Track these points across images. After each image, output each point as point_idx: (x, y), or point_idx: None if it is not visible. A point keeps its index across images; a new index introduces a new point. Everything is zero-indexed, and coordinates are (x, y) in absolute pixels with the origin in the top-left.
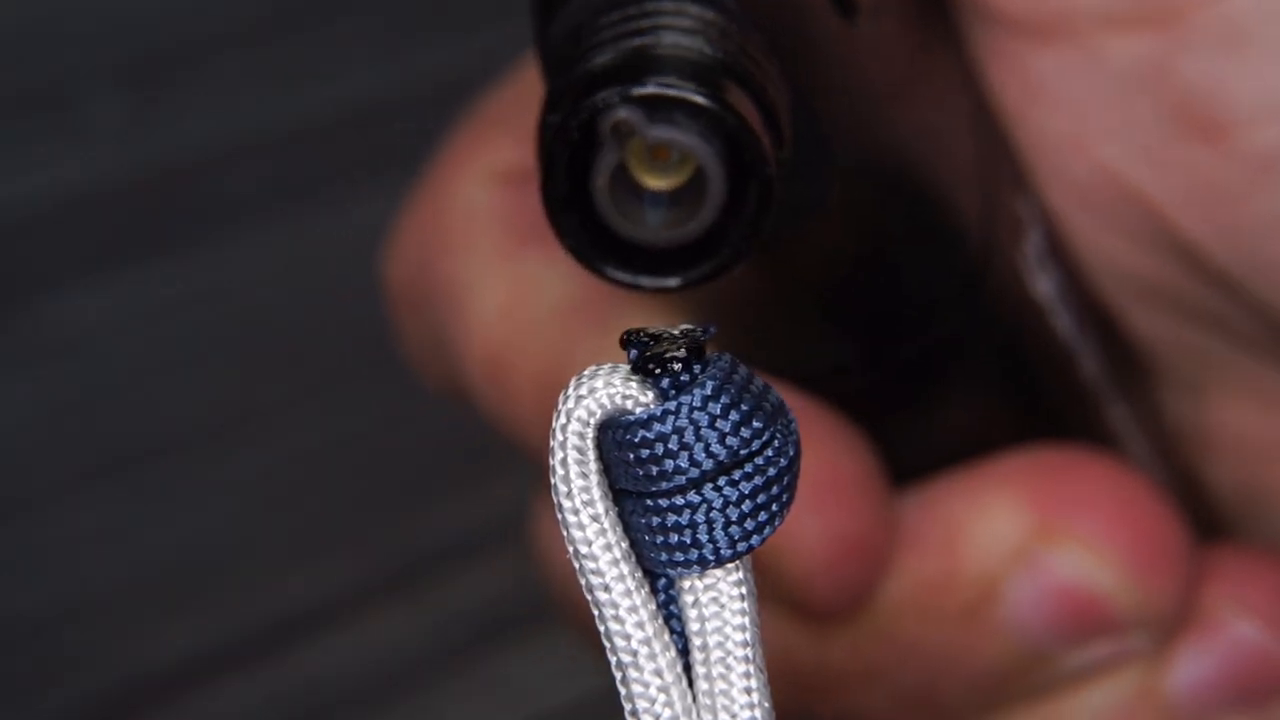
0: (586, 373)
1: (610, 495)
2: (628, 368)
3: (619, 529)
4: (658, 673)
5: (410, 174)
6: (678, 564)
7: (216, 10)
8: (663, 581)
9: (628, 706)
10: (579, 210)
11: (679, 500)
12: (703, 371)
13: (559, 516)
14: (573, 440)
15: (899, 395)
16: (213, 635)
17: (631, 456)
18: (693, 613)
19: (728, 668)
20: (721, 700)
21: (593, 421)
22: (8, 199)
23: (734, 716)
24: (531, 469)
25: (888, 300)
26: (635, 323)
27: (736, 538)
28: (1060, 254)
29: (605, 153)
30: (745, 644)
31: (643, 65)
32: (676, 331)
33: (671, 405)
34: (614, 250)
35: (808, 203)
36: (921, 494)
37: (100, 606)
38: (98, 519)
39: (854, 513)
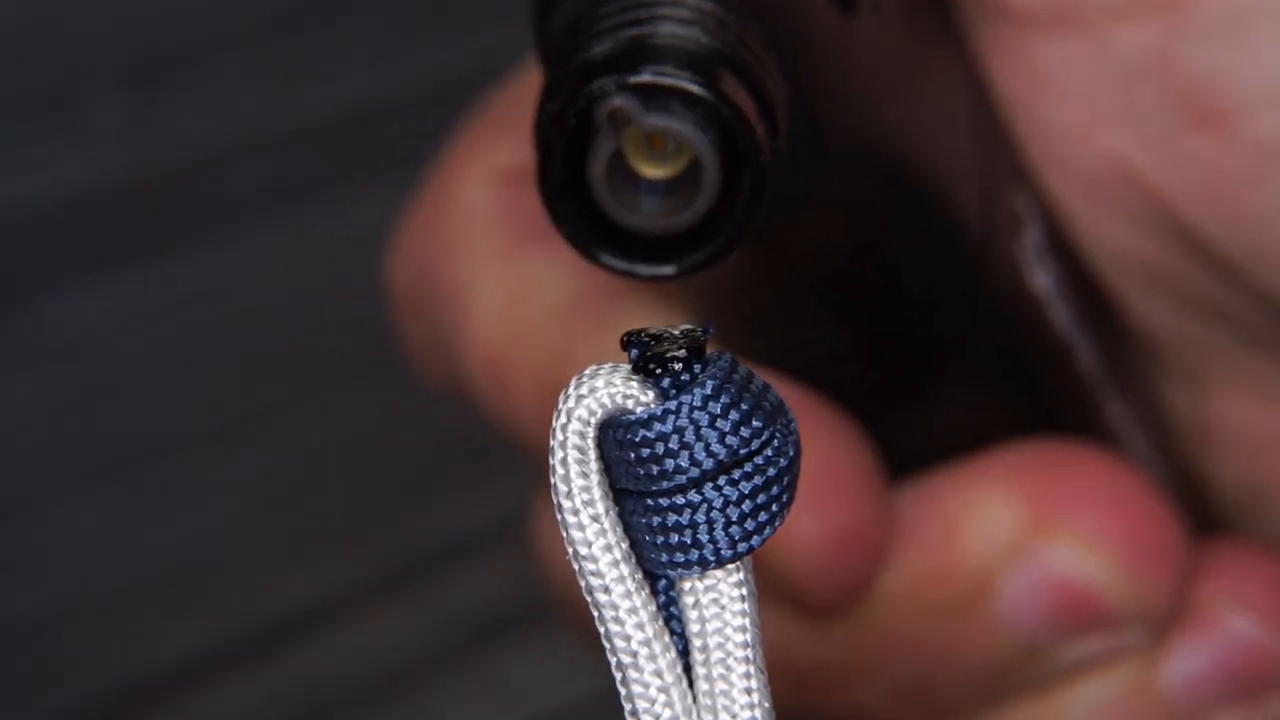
0: (587, 372)
1: (610, 495)
2: (628, 367)
3: (619, 529)
4: (658, 673)
5: (410, 174)
6: (678, 564)
7: (216, 10)
8: (663, 582)
9: (628, 707)
10: (575, 198)
11: (679, 500)
12: (703, 371)
13: (559, 516)
14: (573, 440)
15: (896, 388)
16: (213, 635)
17: (632, 456)
18: (693, 613)
19: (728, 668)
20: (722, 701)
21: (593, 421)
22: (8, 199)
23: (734, 717)
24: (531, 469)
25: (884, 291)
26: (634, 320)
27: (737, 538)
28: (1062, 246)
29: (602, 141)
30: (745, 644)
31: (639, 54)
32: (677, 331)
33: (672, 405)
34: (610, 238)
35: (804, 193)
36: (918, 488)
37: (100, 606)
38: (98, 519)
39: (850, 507)
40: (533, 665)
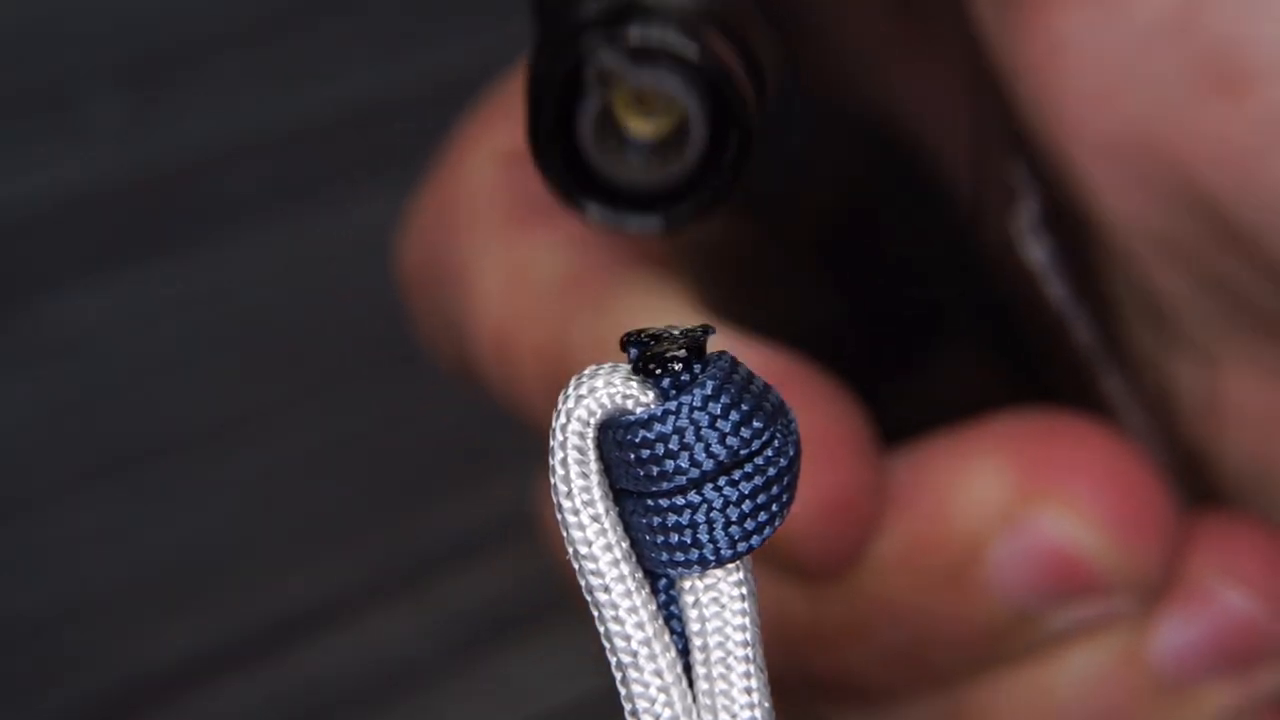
0: (586, 373)
1: (610, 495)
2: (628, 367)
3: (619, 529)
4: (658, 673)
5: (410, 174)
6: (678, 564)
7: (216, 10)
8: (663, 582)
9: (628, 707)
10: (564, 152)
11: (679, 500)
12: (703, 371)
13: (559, 516)
14: (573, 440)
15: (890, 357)
16: (213, 635)
17: (632, 456)
18: (693, 613)
19: (728, 668)
20: (722, 700)
21: (593, 421)
22: (8, 199)
23: (734, 717)
24: (536, 450)
25: (876, 259)
26: (629, 299)
27: (737, 538)
28: (1063, 220)
29: (590, 98)
30: (745, 644)
31: (629, 13)
32: (676, 332)
33: (672, 405)
34: (598, 192)
35: (793, 157)
36: (910, 456)
37: (100, 606)
38: (98, 519)
39: (844, 473)
40: (533, 665)
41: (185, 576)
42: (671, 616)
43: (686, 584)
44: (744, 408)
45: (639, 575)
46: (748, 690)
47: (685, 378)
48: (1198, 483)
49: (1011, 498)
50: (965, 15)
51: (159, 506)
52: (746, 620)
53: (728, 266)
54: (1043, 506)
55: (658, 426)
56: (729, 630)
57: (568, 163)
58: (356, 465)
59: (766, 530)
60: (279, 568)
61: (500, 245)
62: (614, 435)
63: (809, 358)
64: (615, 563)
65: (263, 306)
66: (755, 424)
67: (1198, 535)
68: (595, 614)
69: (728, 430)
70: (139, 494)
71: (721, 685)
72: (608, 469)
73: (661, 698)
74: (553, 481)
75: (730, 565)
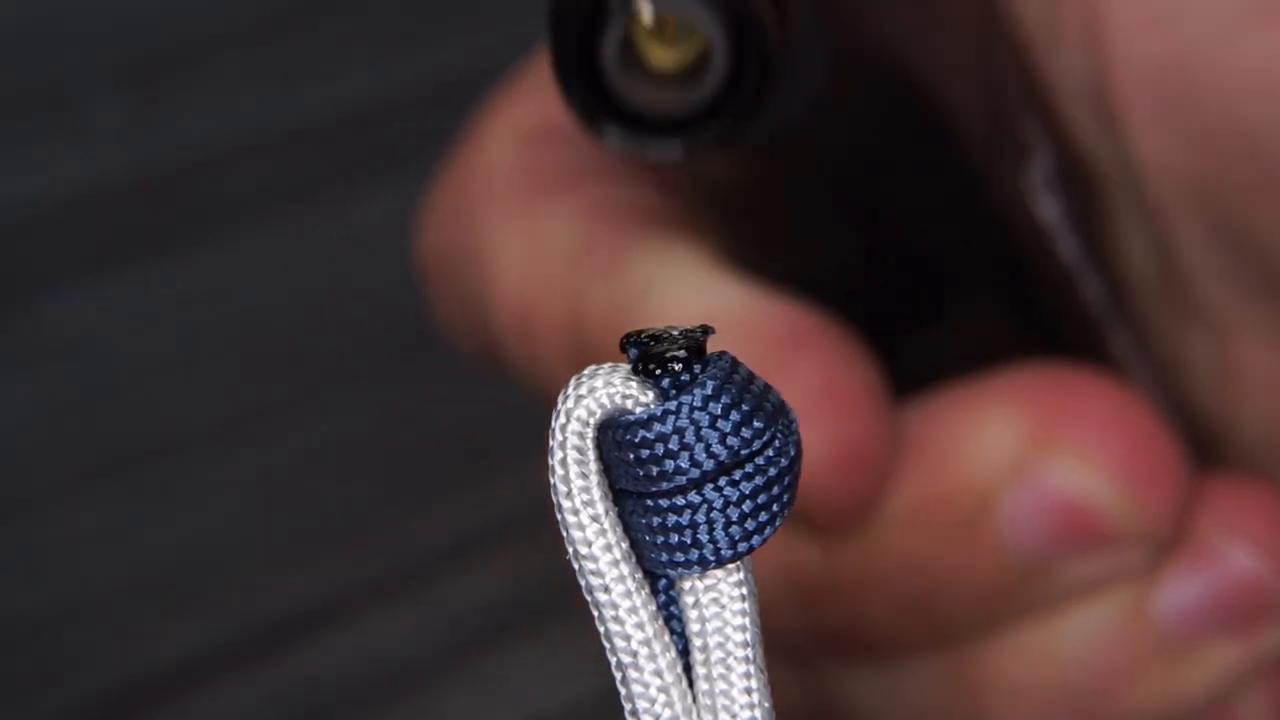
0: (586, 373)
1: (610, 496)
2: (628, 367)
3: (619, 529)
4: (658, 673)
5: (410, 174)
6: (678, 564)
7: (216, 10)
8: (663, 582)
9: (628, 707)
10: (587, 78)
11: (679, 500)
12: (703, 371)
13: (559, 516)
14: (572, 440)
15: (903, 310)
16: (213, 635)
17: (631, 457)
18: (693, 613)
19: (728, 668)
20: (722, 701)
21: (592, 421)
22: (8, 199)
23: (734, 717)
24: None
25: (889, 207)
26: (642, 263)
27: (737, 538)
28: (1082, 177)
29: (613, 24)
30: (746, 644)
31: None
32: (676, 332)
33: (672, 405)
34: (620, 118)
35: (810, 95)
36: (922, 408)
37: (100, 606)
38: (98, 519)
39: (856, 423)
40: (533, 665)
41: (185, 576)
42: (671, 617)
43: (686, 584)
44: (744, 408)
45: (639, 575)
46: (748, 690)
47: (685, 378)
48: (1211, 453)
49: (1023, 448)
50: None
51: (159, 506)
52: (746, 621)
53: (743, 218)
54: (1054, 457)
55: (657, 426)
56: (729, 631)
57: (590, 87)
58: (356, 465)
59: (767, 530)
60: (279, 568)
61: (518, 219)
62: (614, 435)
63: (824, 310)
64: (615, 563)
65: (263, 306)
66: (756, 424)
67: (1204, 494)
68: (595, 614)
69: (728, 430)
70: (139, 494)
71: (721, 685)
72: (607, 469)
73: (661, 698)
74: (552, 481)
75: (730, 565)
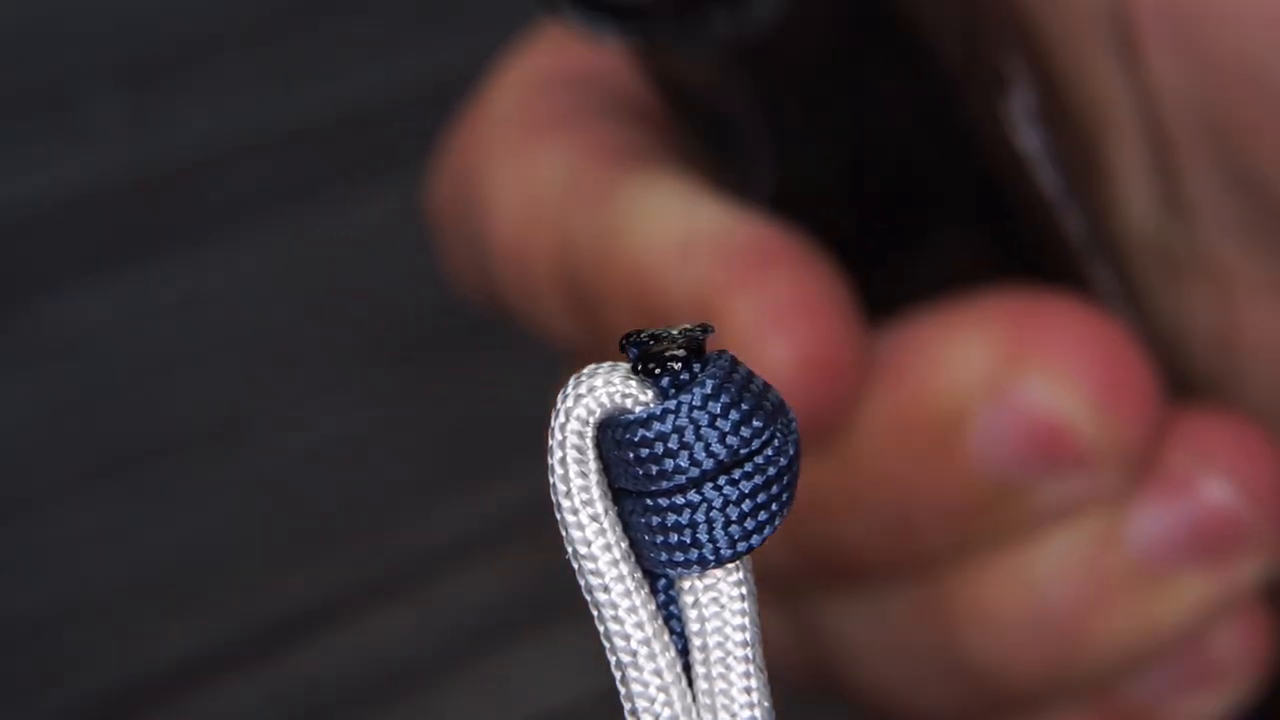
0: (585, 372)
1: (609, 495)
2: (627, 366)
3: (618, 529)
4: (657, 673)
5: (410, 174)
6: (677, 564)
7: (216, 10)
8: (662, 581)
9: (627, 706)
10: None
11: (679, 500)
12: (702, 370)
13: (558, 516)
14: (572, 439)
15: (880, 234)
16: (213, 635)
17: (631, 456)
18: (692, 613)
19: (727, 667)
20: (721, 700)
21: (592, 420)
22: (8, 199)
23: (734, 716)
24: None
25: (862, 126)
26: (626, 194)
27: (736, 537)
28: (1063, 114)
29: None
30: (745, 644)
31: None
32: (675, 331)
33: (671, 404)
34: (581, 4)
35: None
36: (898, 330)
37: (100, 606)
38: (98, 519)
39: (823, 333)
40: (533, 665)
41: (185, 576)
42: (671, 616)
43: (686, 584)
44: (744, 407)
45: (638, 575)
46: (747, 690)
47: (685, 377)
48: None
49: (997, 366)
50: None
51: (159, 506)
52: (746, 620)
53: (722, 140)
54: (1028, 375)
55: (657, 425)
56: (728, 630)
57: None
58: (356, 465)
59: (766, 530)
60: (279, 568)
61: (513, 158)
62: (613, 434)
63: (801, 233)
64: (614, 562)
65: (263, 306)
66: (755, 423)
67: (1180, 426)
68: (595, 613)
69: (727, 429)
70: (139, 494)
71: (721, 685)
72: (607, 468)
73: (661, 697)
74: (552, 481)
75: (730, 565)
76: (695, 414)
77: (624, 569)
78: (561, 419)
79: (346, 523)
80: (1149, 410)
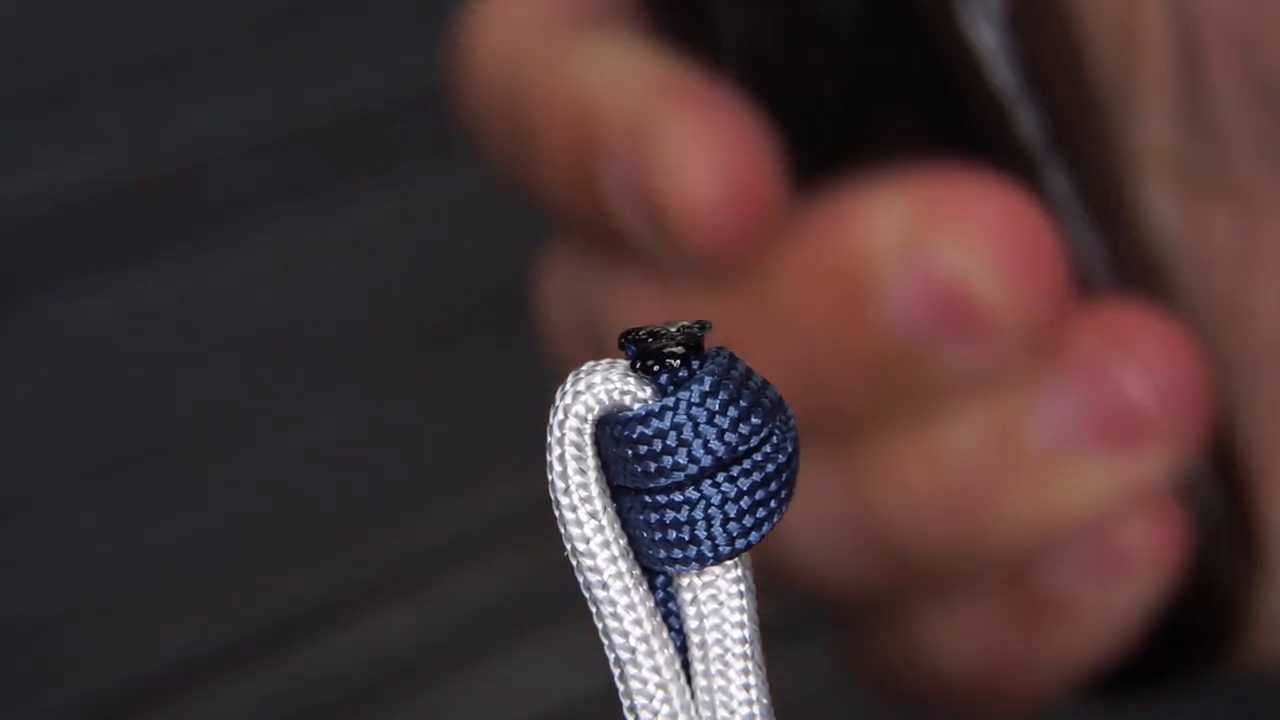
0: (584, 369)
1: (608, 492)
2: (626, 364)
3: (617, 526)
4: (656, 670)
5: (410, 174)
6: (676, 561)
7: (216, 10)
8: (661, 579)
9: (626, 703)
10: None
11: (677, 497)
12: (700, 367)
13: (557, 513)
14: (570, 436)
15: (823, 112)
16: (213, 635)
17: (629, 453)
18: (691, 610)
19: (726, 664)
20: (720, 697)
21: (590, 418)
22: (8, 199)
23: (732, 713)
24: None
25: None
26: (582, 41)
27: (735, 534)
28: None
29: None
30: (744, 641)
31: None
32: (674, 329)
33: (669, 401)
34: None
35: None
36: (826, 196)
37: (100, 606)
38: (98, 519)
39: (746, 162)
40: (533, 665)
41: (185, 576)
42: (670, 613)
43: (684, 581)
44: (742, 404)
45: (637, 572)
46: (746, 687)
47: (683, 374)
48: (1230, 338)
49: (912, 231)
50: None
51: (159, 506)
52: (745, 617)
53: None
54: (939, 241)
55: (655, 423)
56: (727, 627)
57: None
58: (356, 465)
59: (765, 527)
60: (279, 568)
61: (499, 9)
62: (612, 431)
63: (745, 96)
64: (613, 560)
65: (263, 306)
66: (753, 420)
67: (1095, 315)
68: (593, 611)
69: (726, 426)
70: (139, 494)
71: (720, 682)
72: (605, 466)
73: (660, 694)
74: (550, 478)
75: (728, 562)
76: (694, 411)
77: (622, 566)
78: (560, 416)
79: (346, 523)
80: (1055, 288)
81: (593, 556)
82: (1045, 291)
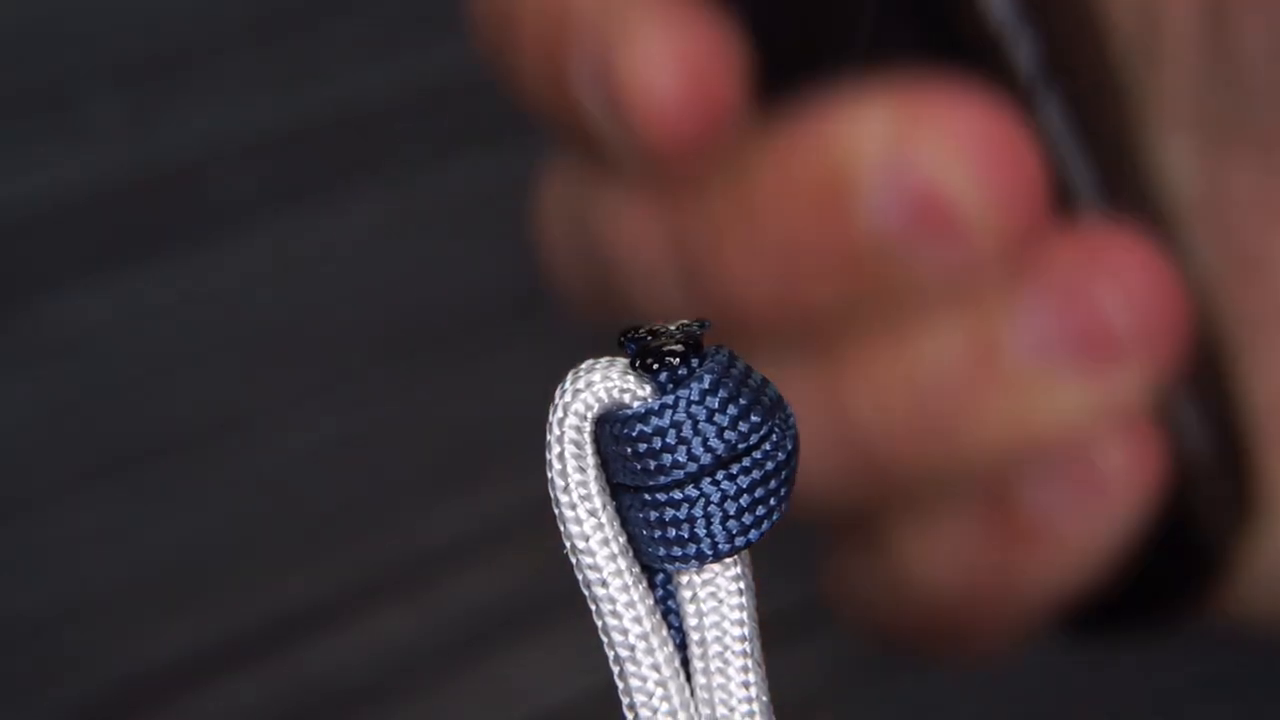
0: (584, 367)
1: (608, 490)
2: (625, 361)
3: (616, 524)
4: (655, 667)
5: (410, 174)
6: (675, 559)
7: (216, 10)
8: (660, 576)
9: (625, 701)
10: None
11: (677, 495)
12: (700, 365)
13: (556, 511)
14: (570, 434)
15: (814, 32)
16: (213, 635)
17: (629, 451)
18: (690, 608)
19: (725, 662)
20: (719, 694)
21: (590, 415)
22: (8, 199)
23: (732, 711)
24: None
25: None
26: None
27: (734, 532)
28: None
29: None
30: (743, 638)
31: None
32: (673, 327)
33: (669, 399)
34: None
35: None
36: (806, 101)
37: (100, 606)
38: (98, 519)
39: (707, 58)
40: (533, 665)
41: (185, 576)
42: (669, 611)
43: (684, 578)
44: (741, 401)
45: (636, 570)
46: (745, 685)
47: (682, 372)
48: (1244, 291)
49: (893, 135)
50: None
51: (159, 506)
52: (744, 615)
53: None
54: (920, 146)
55: (655, 420)
56: (726, 625)
57: None
58: (356, 465)
59: (765, 524)
60: (279, 568)
61: None
62: (611, 429)
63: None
64: (613, 557)
65: (263, 306)
66: (753, 418)
67: (1074, 233)
68: (593, 608)
69: (725, 424)
70: (139, 494)
71: (719, 680)
72: (605, 463)
73: (659, 692)
74: (550, 476)
75: (728, 560)
76: (693, 409)
77: (622, 564)
78: (559, 414)
79: (346, 523)
80: (1034, 202)
81: (592, 554)
82: (1023, 203)
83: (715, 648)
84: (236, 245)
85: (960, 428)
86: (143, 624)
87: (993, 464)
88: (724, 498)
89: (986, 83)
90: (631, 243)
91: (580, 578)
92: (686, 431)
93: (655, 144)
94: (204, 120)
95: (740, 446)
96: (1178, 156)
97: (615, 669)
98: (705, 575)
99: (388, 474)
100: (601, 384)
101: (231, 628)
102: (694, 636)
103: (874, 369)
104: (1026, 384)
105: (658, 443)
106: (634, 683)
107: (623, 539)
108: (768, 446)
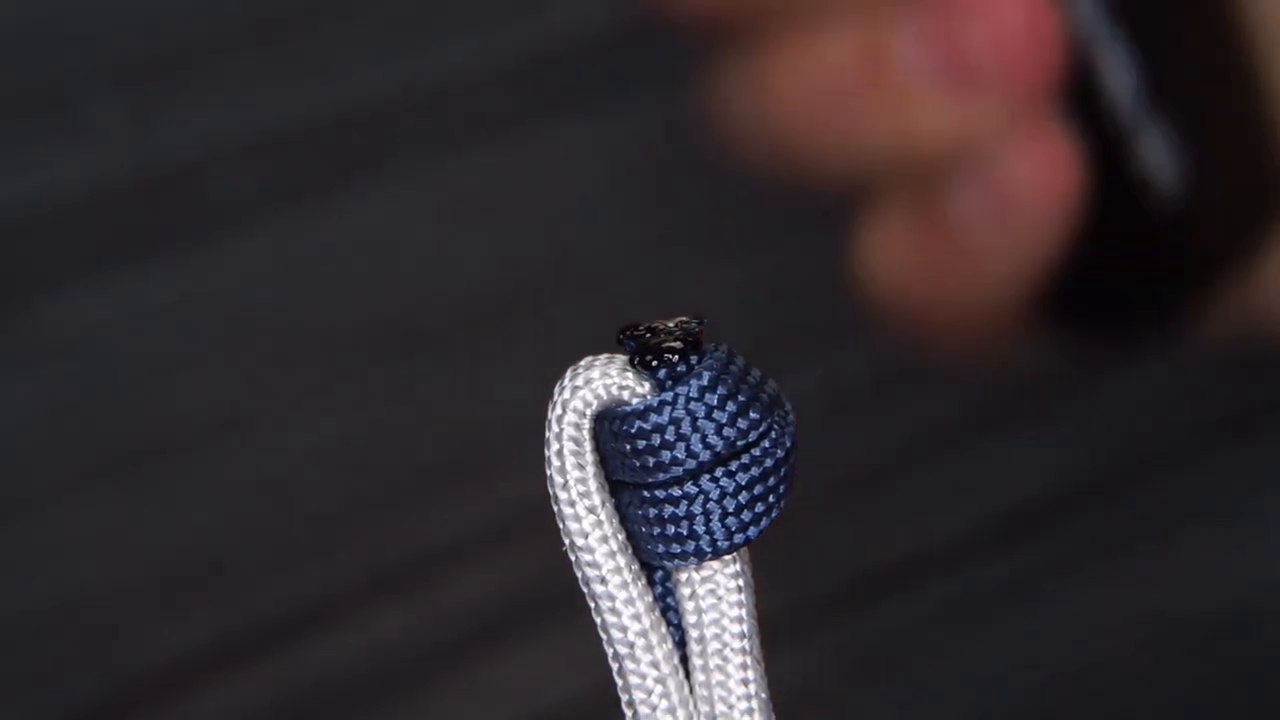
0: (583, 364)
1: (607, 487)
2: (624, 358)
3: (615, 521)
4: (654, 664)
5: (410, 174)
6: (675, 556)
7: (216, 10)
8: (660, 573)
9: (625, 698)
10: None
11: (676, 491)
12: (699, 362)
13: (555, 508)
14: (569, 431)
15: None
16: (212, 635)
17: (628, 447)
18: (690, 605)
19: (724, 659)
20: (719, 692)
21: (589, 412)
22: (8, 199)
23: (731, 708)
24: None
25: None
26: None
27: (734, 529)
28: None
29: None
30: (742, 635)
31: None
32: (672, 324)
33: (668, 396)
34: None
35: None
36: None
37: (100, 606)
38: (98, 519)
39: None
40: (532, 665)
41: (184, 576)
42: (668, 608)
43: (683, 575)
44: (740, 399)
45: (635, 567)
46: (745, 682)
47: (681, 369)
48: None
49: None
50: None
51: (159, 506)
52: (743, 612)
53: None
54: None
55: (654, 417)
56: (725, 622)
57: None
58: (356, 465)
59: (764, 522)
60: (278, 568)
61: None
62: (610, 426)
63: None
64: (612, 554)
65: (263, 306)
66: (752, 415)
67: None
68: (592, 605)
69: (724, 421)
70: (139, 494)
71: (718, 677)
72: (604, 460)
73: (659, 689)
74: (549, 473)
75: (727, 557)
76: (692, 406)
77: (621, 561)
78: (558, 411)
79: (346, 523)
80: None
81: (591, 551)
82: None
83: (714, 645)
84: (236, 245)
85: (854, 129)
86: (142, 624)
87: (883, 160)
88: (723, 495)
89: None
90: None
91: (579, 575)
92: (685, 428)
93: None
94: (204, 120)
95: (739, 443)
96: None
97: (614, 666)
98: (704, 572)
99: (388, 474)
100: (600, 381)
101: (231, 628)
102: (693, 634)
103: (784, 66)
104: (906, 96)
105: (657, 440)
106: (633, 680)
107: (621, 536)
108: (766, 443)
